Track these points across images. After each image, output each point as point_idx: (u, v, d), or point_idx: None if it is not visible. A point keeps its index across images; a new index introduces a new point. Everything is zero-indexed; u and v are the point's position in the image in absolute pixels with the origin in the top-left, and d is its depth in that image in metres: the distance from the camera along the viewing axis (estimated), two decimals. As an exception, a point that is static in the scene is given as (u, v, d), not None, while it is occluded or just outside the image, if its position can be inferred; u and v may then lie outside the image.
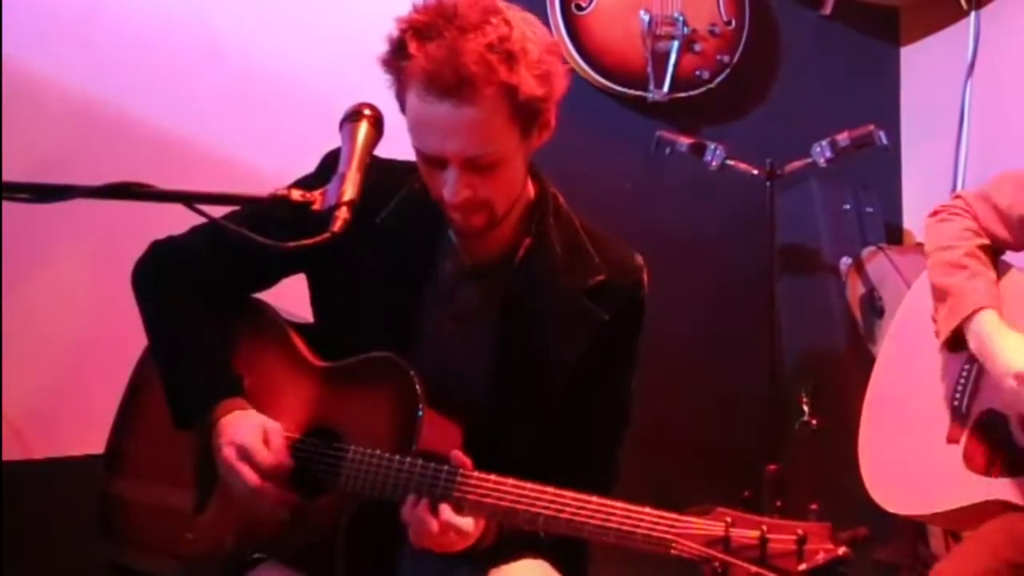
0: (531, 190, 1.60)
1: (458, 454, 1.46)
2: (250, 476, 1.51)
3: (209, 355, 1.61)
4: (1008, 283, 1.90)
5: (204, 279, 1.64)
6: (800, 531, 1.31)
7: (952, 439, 1.85)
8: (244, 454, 1.52)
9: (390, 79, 1.46)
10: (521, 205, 1.57)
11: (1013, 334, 1.79)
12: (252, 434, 1.53)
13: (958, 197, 1.98)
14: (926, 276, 1.99)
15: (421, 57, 1.40)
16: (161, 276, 1.66)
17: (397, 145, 1.51)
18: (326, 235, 1.26)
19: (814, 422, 2.83)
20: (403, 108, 1.47)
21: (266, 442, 1.53)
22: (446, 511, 1.43)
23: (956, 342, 1.87)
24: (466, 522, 1.44)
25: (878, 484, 1.91)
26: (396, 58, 1.44)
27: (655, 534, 1.37)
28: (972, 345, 1.84)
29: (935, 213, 2.00)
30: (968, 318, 1.83)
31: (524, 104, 1.44)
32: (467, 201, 1.47)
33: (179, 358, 1.62)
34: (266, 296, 1.72)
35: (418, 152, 1.49)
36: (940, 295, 1.89)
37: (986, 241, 1.91)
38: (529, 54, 1.43)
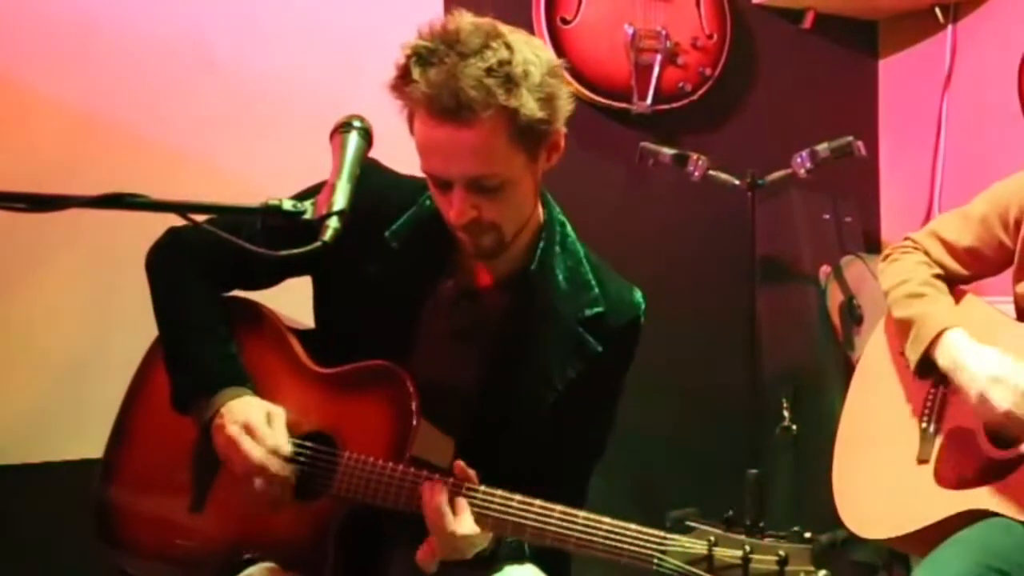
0: (540, 216, 1.61)
1: (460, 464, 1.48)
2: (254, 451, 1.51)
3: (219, 341, 1.63)
4: (965, 308, 1.93)
5: (213, 269, 1.66)
6: (782, 552, 1.31)
7: (922, 460, 1.86)
8: (248, 430, 1.53)
9: (400, 104, 1.49)
10: (531, 230, 1.59)
11: (982, 346, 1.81)
12: (256, 415, 1.55)
13: (907, 239, 2.02)
14: (884, 320, 2.01)
15: (423, 82, 1.43)
16: (175, 260, 1.68)
17: (390, 158, 1.54)
18: (316, 244, 1.28)
19: (794, 427, 2.85)
20: (412, 132, 1.50)
21: (269, 424, 1.55)
22: (463, 505, 1.45)
23: (926, 368, 1.88)
24: (474, 528, 1.46)
25: (851, 512, 1.92)
26: (401, 83, 1.46)
27: (638, 550, 1.38)
28: (942, 363, 1.84)
29: (886, 256, 2.03)
30: (934, 341, 1.84)
31: (526, 127, 1.46)
32: (473, 222, 1.49)
33: (189, 339, 1.63)
34: (268, 300, 1.74)
35: (426, 174, 1.52)
36: (904, 327, 1.91)
37: (940, 271, 1.95)
38: (531, 77, 1.44)
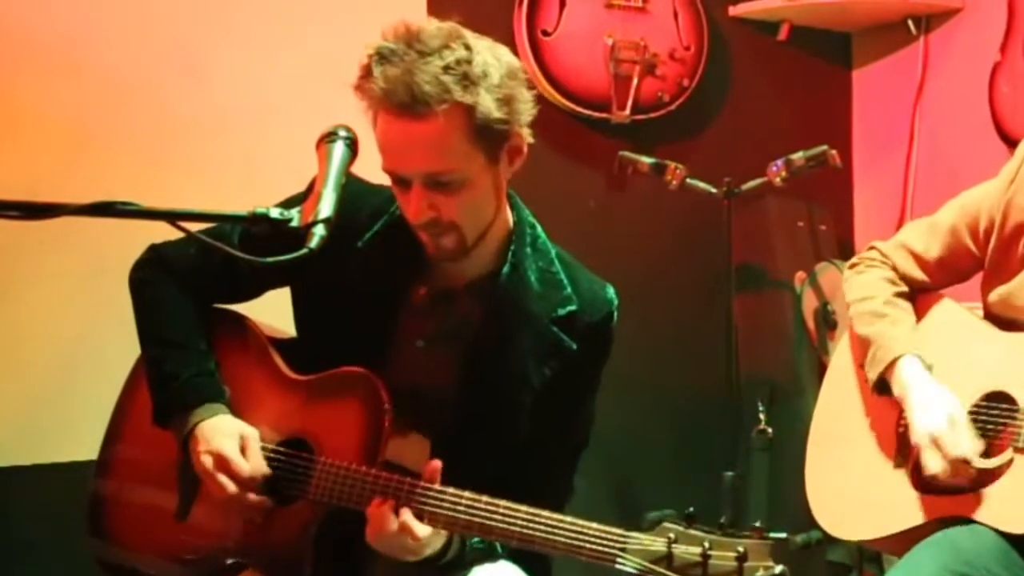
0: (508, 219, 1.63)
1: (434, 466, 1.50)
2: (228, 485, 1.55)
3: (197, 358, 1.65)
4: (938, 315, 1.93)
5: (194, 284, 1.69)
6: (740, 548, 1.33)
7: (899, 465, 1.86)
8: (221, 463, 1.56)
9: (364, 106, 1.51)
10: (498, 234, 1.61)
11: (930, 385, 1.80)
12: (229, 442, 1.57)
13: (872, 248, 2.01)
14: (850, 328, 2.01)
15: (380, 79, 1.45)
16: (155, 276, 1.70)
17: (377, 168, 1.56)
18: (303, 251, 1.30)
19: (770, 430, 2.87)
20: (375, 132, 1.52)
21: (243, 450, 1.58)
22: (406, 513, 1.47)
23: (883, 387, 1.87)
24: (424, 529, 1.48)
25: (826, 513, 1.92)
26: (363, 82, 1.49)
27: (600, 548, 1.40)
28: (895, 392, 1.84)
29: (852, 266, 2.03)
30: (890, 366, 1.83)
31: (484, 125, 1.48)
32: (432, 222, 1.51)
33: (168, 357, 1.65)
34: (249, 309, 1.76)
35: (386, 173, 1.54)
36: (864, 344, 1.91)
37: (904, 288, 1.94)
38: (489, 77, 1.47)
